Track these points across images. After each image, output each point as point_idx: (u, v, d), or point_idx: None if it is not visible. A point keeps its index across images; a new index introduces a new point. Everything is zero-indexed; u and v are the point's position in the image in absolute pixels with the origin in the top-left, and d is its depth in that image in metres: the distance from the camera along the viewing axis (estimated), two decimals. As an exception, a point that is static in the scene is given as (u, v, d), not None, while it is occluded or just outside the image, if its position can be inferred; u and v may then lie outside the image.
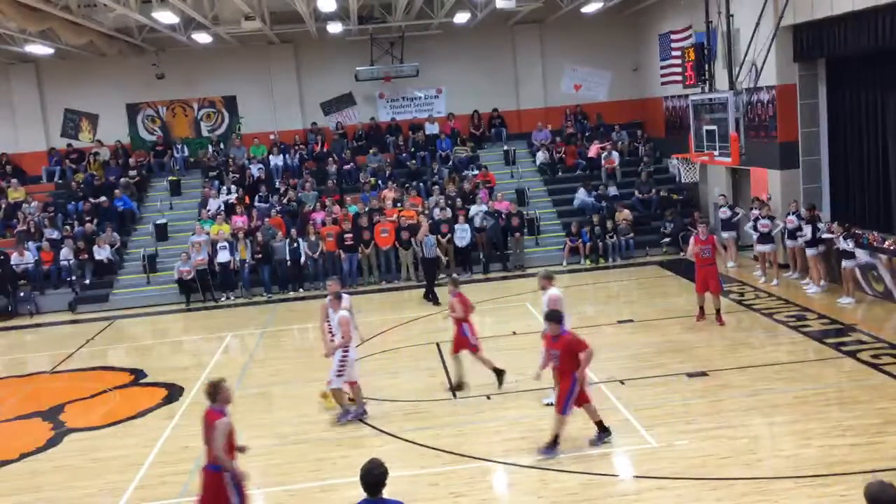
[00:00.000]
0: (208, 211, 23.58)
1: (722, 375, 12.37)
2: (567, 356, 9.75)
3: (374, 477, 5.66)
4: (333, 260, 21.83)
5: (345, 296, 12.27)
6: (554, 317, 9.91)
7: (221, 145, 27.00)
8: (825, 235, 16.99)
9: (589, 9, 23.40)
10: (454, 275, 15.94)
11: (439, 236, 21.21)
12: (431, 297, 19.14)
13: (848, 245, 15.91)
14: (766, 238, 17.95)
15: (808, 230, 17.03)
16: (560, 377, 9.95)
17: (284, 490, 9.76)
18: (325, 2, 19.12)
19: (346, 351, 11.28)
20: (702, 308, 15.27)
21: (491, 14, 23.12)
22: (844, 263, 16.02)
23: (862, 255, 16.24)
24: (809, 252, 17.10)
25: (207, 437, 7.68)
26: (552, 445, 9.81)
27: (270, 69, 27.12)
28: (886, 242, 16.03)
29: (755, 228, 18.15)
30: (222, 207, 23.67)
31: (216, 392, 7.75)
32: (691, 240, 15.66)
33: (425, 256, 19.68)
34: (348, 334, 11.34)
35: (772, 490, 8.64)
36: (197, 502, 7.82)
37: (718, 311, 15.03)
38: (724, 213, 20.14)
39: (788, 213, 17.80)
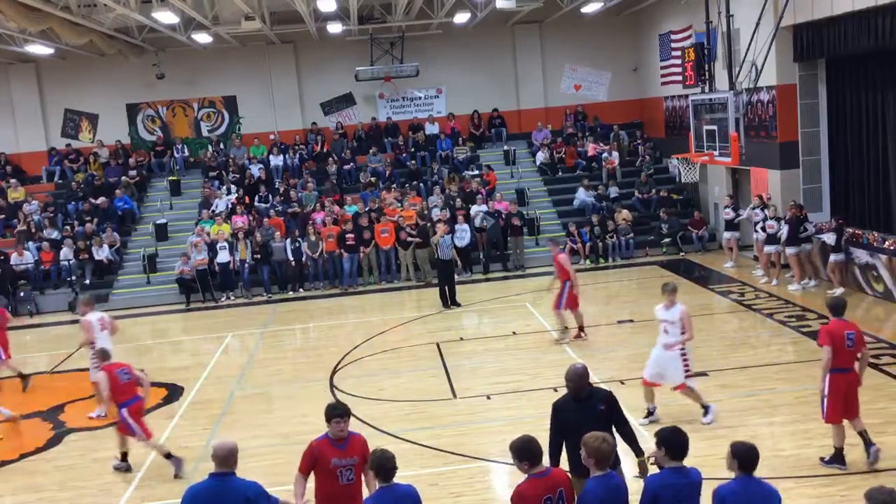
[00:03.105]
0: (214, 211, 23.57)
1: (722, 375, 12.38)
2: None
3: (389, 462, 6.08)
4: (333, 260, 21.85)
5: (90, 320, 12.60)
6: (102, 355, 10.63)
7: (221, 145, 27.02)
8: (817, 236, 17.11)
9: (589, 9, 23.39)
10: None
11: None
12: (452, 301, 18.33)
13: (830, 239, 16.21)
14: (773, 239, 17.94)
15: (784, 229, 17.18)
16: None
17: (285, 490, 9.67)
18: (325, 2, 19.13)
19: None
20: (580, 327, 14.84)
21: (491, 14, 23.11)
22: (832, 258, 16.38)
23: (862, 255, 16.25)
24: (788, 251, 17.18)
25: None
26: None
27: (270, 69, 27.13)
28: (886, 242, 16.02)
29: (763, 229, 18.14)
30: (229, 207, 23.70)
31: None
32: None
33: (441, 258, 18.70)
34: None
35: (772, 490, 8.62)
36: None
37: (579, 326, 14.77)
38: (728, 213, 20.14)
39: (786, 214, 17.83)
